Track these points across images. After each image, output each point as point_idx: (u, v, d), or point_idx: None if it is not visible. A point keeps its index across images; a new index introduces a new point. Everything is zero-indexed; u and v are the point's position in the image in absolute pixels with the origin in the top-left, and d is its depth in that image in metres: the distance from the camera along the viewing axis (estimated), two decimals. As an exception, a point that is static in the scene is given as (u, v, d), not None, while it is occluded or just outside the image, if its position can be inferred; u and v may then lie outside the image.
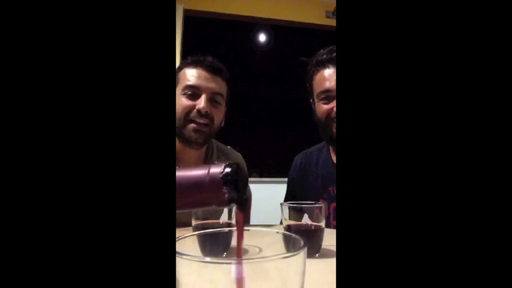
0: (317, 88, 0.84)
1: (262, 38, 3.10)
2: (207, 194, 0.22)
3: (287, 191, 1.03)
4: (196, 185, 0.22)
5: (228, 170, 0.22)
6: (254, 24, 2.94)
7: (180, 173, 0.23)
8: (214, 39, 3.00)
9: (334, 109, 0.78)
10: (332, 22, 2.82)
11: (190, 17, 2.62)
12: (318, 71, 0.84)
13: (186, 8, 2.53)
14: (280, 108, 3.02)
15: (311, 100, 0.90)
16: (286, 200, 0.99)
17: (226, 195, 0.22)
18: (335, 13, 2.76)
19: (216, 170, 0.21)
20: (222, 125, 0.94)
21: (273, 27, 2.96)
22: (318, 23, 2.84)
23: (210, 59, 0.87)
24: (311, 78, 0.87)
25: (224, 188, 0.22)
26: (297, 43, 3.06)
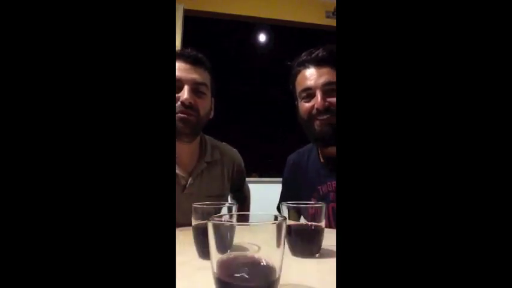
0: (299, 87, 0.87)
1: (262, 38, 3.10)
2: None
3: (282, 191, 1.04)
4: None
5: None
6: (254, 24, 2.93)
7: None
8: (214, 39, 2.99)
9: (315, 106, 0.81)
10: (332, 22, 2.82)
11: (190, 17, 2.61)
12: (300, 71, 0.87)
13: (186, 8, 2.53)
14: (280, 108, 3.02)
15: (296, 102, 0.92)
16: (281, 200, 0.99)
17: None
18: (335, 13, 2.76)
19: None
20: (211, 116, 0.92)
21: (273, 27, 2.95)
22: (318, 23, 2.84)
23: (188, 50, 0.85)
24: (294, 79, 0.90)
25: None
26: (297, 43, 3.06)
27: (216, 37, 2.97)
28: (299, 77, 0.87)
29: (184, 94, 0.80)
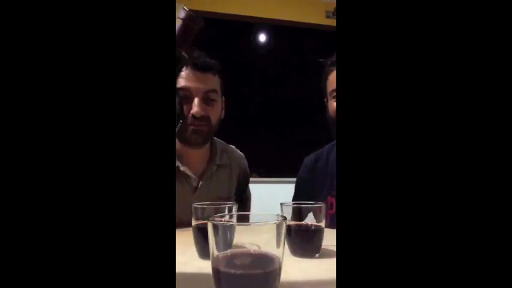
0: (330, 87, 0.88)
1: (262, 38, 3.10)
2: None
3: (295, 192, 1.03)
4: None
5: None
6: (254, 24, 2.93)
7: None
8: (214, 39, 2.99)
9: None
10: (332, 22, 2.82)
11: (190, 17, 2.61)
12: (332, 70, 0.88)
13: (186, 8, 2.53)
14: (280, 109, 3.02)
15: (325, 99, 0.93)
16: (294, 200, 0.99)
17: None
18: (335, 13, 2.76)
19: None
20: (223, 117, 0.92)
21: (273, 27, 2.95)
22: (318, 23, 2.84)
23: (196, 54, 0.81)
24: (325, 78, 0.91)
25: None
26: (297, 43, 3.06)
27: (216, 37, 2.98)
28: (331, 76, 0.88)
29: (195, 107, 0.79)
